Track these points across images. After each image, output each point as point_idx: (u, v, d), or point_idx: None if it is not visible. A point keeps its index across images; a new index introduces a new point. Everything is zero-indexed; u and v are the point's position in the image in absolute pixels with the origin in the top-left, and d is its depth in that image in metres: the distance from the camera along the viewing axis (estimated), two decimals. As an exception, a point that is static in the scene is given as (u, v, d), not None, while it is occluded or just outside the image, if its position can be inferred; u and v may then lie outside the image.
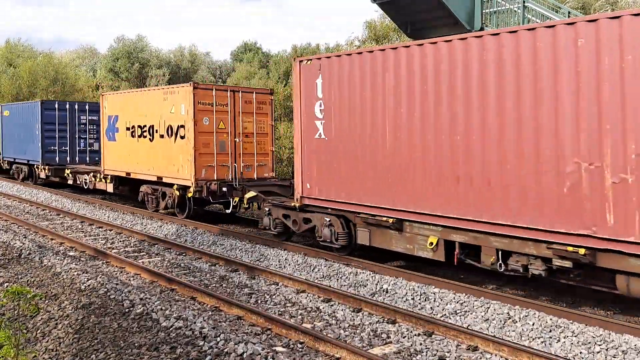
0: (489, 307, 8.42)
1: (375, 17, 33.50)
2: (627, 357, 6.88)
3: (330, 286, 9.68)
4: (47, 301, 8.37)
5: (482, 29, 14.61)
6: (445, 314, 8.43)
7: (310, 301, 9.11)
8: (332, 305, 8.84)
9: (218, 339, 6.73)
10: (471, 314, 8.32)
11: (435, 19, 15.50)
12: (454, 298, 8.86)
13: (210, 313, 8.47)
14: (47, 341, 7.20)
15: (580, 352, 7.02)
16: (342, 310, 8.64)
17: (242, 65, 56.56)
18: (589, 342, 7.22)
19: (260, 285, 10.05)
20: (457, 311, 8.45)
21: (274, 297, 9.31)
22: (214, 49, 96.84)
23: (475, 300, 8.68)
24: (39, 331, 7.51)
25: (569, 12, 15.02)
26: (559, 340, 7.34)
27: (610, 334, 7.39)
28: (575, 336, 7.39)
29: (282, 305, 8.91)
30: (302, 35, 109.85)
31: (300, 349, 7.12)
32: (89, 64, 62.25)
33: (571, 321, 7.81)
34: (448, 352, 7.07)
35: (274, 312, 8.53)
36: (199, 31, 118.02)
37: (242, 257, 12.05)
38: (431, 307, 8.69)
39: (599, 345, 7.15)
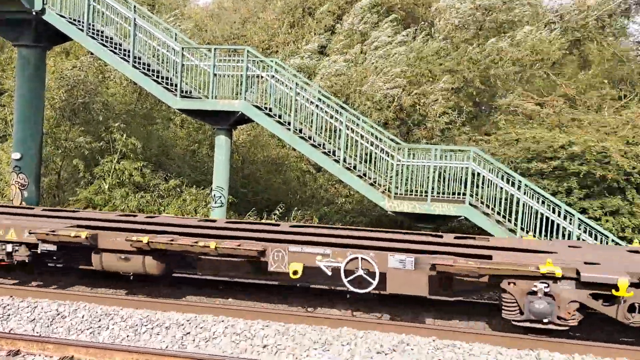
0: (35, 307, 7.91)
1: None
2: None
3: None
4: None
5: (43, 9, 13.24)
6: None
7: None
8: None
9: None
10: (15, 316, 7.67)
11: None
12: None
13: None
14: None
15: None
16: None
17: None
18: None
19: None
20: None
21: None
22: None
23: (21, 302, 8.04)
24: None
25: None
26: (107, 329, 7.41)
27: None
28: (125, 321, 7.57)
29: None
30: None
31: None
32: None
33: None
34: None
35: None
36: None
37: None
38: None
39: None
